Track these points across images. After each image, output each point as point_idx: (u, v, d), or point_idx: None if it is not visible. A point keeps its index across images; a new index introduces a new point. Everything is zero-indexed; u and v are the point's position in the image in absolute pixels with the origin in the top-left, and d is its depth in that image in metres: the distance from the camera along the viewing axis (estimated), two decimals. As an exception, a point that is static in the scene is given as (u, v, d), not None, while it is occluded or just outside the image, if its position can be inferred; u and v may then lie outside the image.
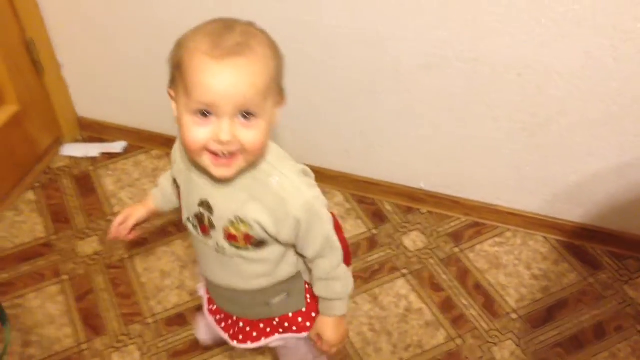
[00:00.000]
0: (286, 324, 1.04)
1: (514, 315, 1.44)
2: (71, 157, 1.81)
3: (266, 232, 0.86)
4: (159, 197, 1.08)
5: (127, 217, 1.08)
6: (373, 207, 1.69)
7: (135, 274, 1.52)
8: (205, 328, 1.36)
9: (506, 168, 1.53)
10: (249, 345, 1.07)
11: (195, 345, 1.39)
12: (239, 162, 0.80)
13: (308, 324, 1.04)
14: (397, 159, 1.63)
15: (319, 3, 1.35)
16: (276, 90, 0.81)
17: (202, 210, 0.88)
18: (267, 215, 0.84)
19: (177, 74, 0.79)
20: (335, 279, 0.96)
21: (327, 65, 1.47)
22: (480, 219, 1.65)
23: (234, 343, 1.07)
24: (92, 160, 1.81)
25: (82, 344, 1.39)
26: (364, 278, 1.51)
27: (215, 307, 1.09)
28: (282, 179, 0.84)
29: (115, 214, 1.62)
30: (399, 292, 1.49)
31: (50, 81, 1.72)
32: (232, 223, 0.86)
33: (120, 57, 1.65)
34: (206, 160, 0.80)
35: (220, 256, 0.92)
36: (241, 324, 1.06)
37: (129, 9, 1.52)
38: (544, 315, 1.44)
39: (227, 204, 0.86)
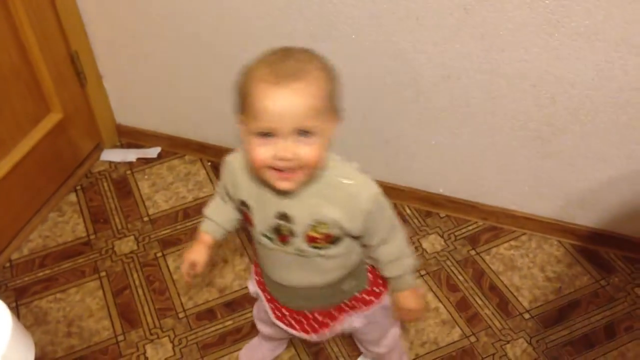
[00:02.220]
0: (355, 303, 1.12)
1: (526, 315, 1.50)
2: (110, 162, 1.93)
3: (342, 228, 0.94)
4: (216, 230, 1.12)
5: (194, 265, 1.12)
6: (394, 210, 1.75)
7: (168, 272, 1.62)
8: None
9: (522, 174, 1.59)
10: (326, 334, 1.14)
11: (223, 339, 1.48)
12: (299, 175, 0.88)
13: (372, 298, 1.12)
14: (418, 165, 1.70)
15: (346, 19, 1.43)
16: (331, 108, 0.89)
17: (280, 221, 0.96)
18: (341, 212, 0.93)
19: (244, 102, 0.87)
20: (405, 256, 1.05)
21: (351, 76, 1.54)
22: (496, 223, 1.71)
23: (312, 336, 1.14)
24: (130, 164, 1.92)
25: (119, 336, 1.49)
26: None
27: (283, 312, 1.14)
28: (349, 178, 0.94)
29: (150, 215, 1.75)
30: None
31: (92, 91, 1.83)
32: (312, 227, 0.94)
33: (157, 69, 1.76)
34: (270, 175, 0.88)
35: (300, 259, 0.99)
36: (315, 316, 1.12)
37: (166, 25, 1.62)
38: (555, 315, 1.50)
39: (304, 211, 0.94)
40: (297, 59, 0.86)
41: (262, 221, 0.99)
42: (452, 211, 1.74)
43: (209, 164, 1.91)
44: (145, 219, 1.76)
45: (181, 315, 1.53)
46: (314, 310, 1.12)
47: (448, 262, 1.62)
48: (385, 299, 1.14)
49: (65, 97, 1.74)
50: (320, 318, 1.12)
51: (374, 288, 1.12)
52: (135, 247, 1.68)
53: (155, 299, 1.56)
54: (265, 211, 0.97)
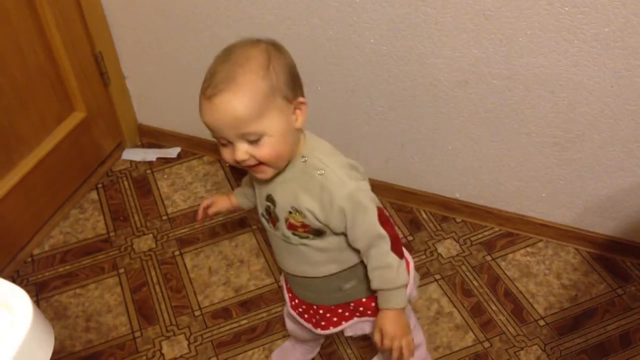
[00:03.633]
0: (361, 309, 1.10)
1: (541, 322, 1.50)
2: (131, 161, 1.96)
3: (318, 220, 0.95)
4: (240, 195, 1.21)
5: (211, 205, 1.23)
6: (410, 215, 1.77)
7: (185, 270, 1.64)
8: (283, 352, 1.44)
9: (539, 181, 1.59)
10: (332, 330, 1.14)
11: (237, 337, 1.49)
12: (268, 169, 0.93)
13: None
14: (434, 170, 1.70)
15: (364, 23, 1.45)
16: (278, 102, 0.89)
17: (269, 203, 1.00)
18: (316, 204, 0.94)
19: None
20: (386, 266, 0.98)
21: (369, 81, 1.56)
22: (513, 230, 1.70)
23: (318, 331, 1.15)
24: (150, 164, 1.95)
25: (136, 332, 1.52)
26: (399, 282, 1.59)
27: (297, 302, 1.17)
28: (327, 171, 0.93)
29: (168, 214, 1.77)
30: (431, 295, 1.56)
31: (115, 91, 1.87)
32: (290, 213, 0.97)
33: (178, 71, 1.78)
34: (243, 168, 0.94)
35: (288, 245, 1.02)
36: (321, 311, 1.13)
37: (188, 28, 1.65)
38: (571, 323, 1.49)
39: (284, 197, 0.97)
40: (232, 62, 0.88)
41: (260, 201, 1.03)
42: (468, 216, 1.74)
43: (227, 165, 1.94)
44: (164, 217, 1.78)
45: (197, 313, 1.55)
46: (318, 304, 1.12)
47: (463, 267, 1.62)
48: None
49: (88, 96, 1.78)
50: (327, 314, 1.12)
51: None
52: (153, 245, 1.71)
53: (172, 297, 1.59)
54: (261, 191, 1.02)
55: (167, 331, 1.52)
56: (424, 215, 1.76)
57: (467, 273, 1.61)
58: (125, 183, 1.89)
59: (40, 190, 1.69)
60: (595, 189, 1.54)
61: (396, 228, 1.01)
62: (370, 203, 0.96)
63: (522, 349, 1.45)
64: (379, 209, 0.98)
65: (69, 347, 1.48)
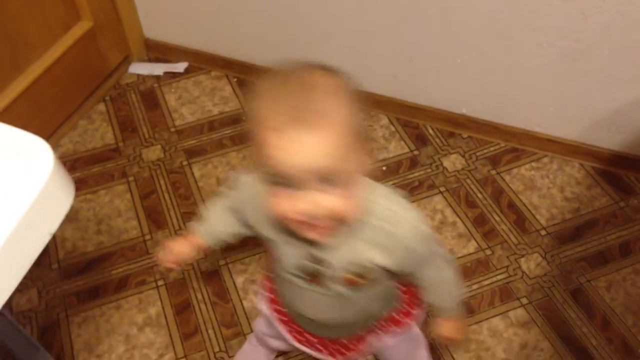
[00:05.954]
0: (383, 323, 1.04)
1: (543, 232, 1.52)
2: (138, 75, 1.96)
3: (387, 269, 0.83)
4: (205, 235, 1.03)
5: (173, 256, 1.04)
6: (416, 130, 1.77)
7: (194, 179, 1.67)
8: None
9: (548, 95, 1.59)
10: (353, 355, 1.05)
11: (244, 243, 1.53)
12: (328, 226, 0.73)
13: (405, 319, 1.04)
14: (442, 85, 1.70)
15: None
16: (358, 142, 0.71)
17: (313, 265, 0.83)
18: (387, 256, 0.81)
19: (254, 140, 0.73)
20: (447, 282, 0.95)
21: (378, -11, 1.54)
22: (519, 145, 1.71)
23: (338, 358, 1.06)
24: (157, 78, 1.95)
25: (146, 235, 1.55)
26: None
27: (305, 338, 1.05)
28: (394, 217, 0.80)
29: (176, 126, 1.78)
30: (435, 206, 1.58)
31: (121, 2, 1.85)
32: (350, 271, 0.83)
33: (186, -20, 1.76)
34: (293, 226, 0.74)
35: (333, 299, 0.88)
36: (344, 341, 1.03)
37: None
38: (572, 233, 1.52)
39: (344, 256, 0.81)
40: (311, 89, 0.68)
41: (290, 259, 0.85)
42: (475, 132, 1.75)
43: (235, 80, 1.93)
44: (172, 129, 1.79)
45: (205, 219, 1.58)
46: (340, 337, 1.03)
47: (468, 181, 1.64)
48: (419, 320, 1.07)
49: (95, 6, 1.76)
50: (347, 343, 1.04)
51: (410, 309, 1.03)
52: (162, 155, 1.73)
53: (181, 204, 1.61)
54: (295, 250, 0.83)
55: (177, 235, 1.55)
56: (431, 131, 1.77)
57: (472, 186, 1.63)
58: (133, 96, 1.89)
59: (49, 99, 1.69)
60: (603, 102, 1.54)
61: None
62: (428, 228, 0.85)
63: (522, 256, 1.48)
64: None
65: (81, 247, 1.52)
